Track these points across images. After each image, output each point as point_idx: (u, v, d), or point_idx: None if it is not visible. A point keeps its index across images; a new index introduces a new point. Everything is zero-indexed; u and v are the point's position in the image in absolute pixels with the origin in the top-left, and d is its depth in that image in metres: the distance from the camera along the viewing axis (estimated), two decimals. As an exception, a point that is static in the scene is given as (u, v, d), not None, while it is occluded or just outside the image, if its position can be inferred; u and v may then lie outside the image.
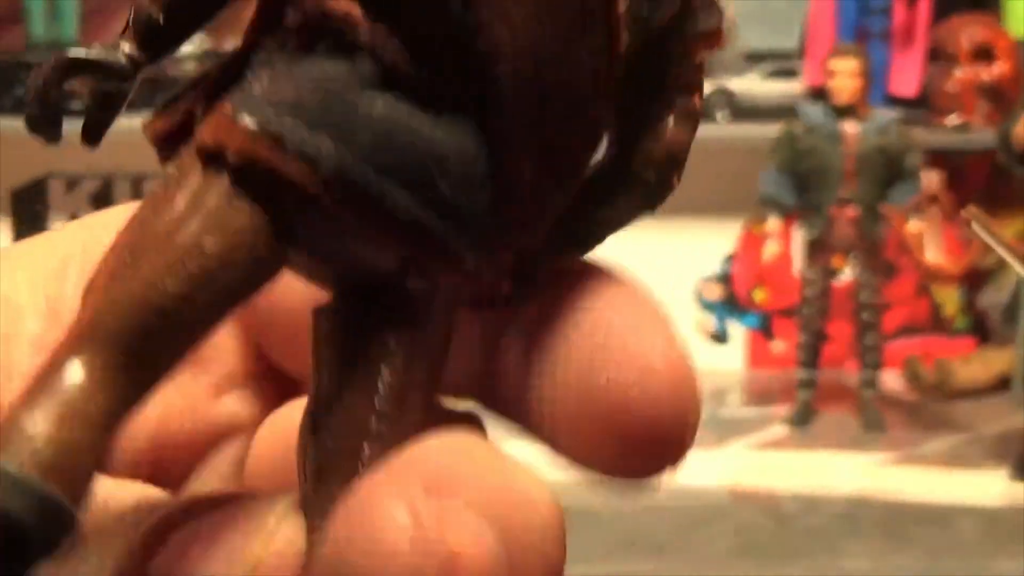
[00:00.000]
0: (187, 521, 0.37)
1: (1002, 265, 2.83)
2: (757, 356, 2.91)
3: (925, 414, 2.57)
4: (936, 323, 2.94)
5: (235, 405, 0.46)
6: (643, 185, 0.37)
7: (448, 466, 0.34)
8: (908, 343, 2.90)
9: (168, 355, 0.33)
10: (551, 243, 0.36)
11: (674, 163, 0.37)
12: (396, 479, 0.33)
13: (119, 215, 0.40)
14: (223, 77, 0.34)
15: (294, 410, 0.39)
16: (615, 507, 2.01)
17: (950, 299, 2.93)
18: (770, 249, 2.82)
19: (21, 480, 0.31)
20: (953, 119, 2.81)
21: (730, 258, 2.85)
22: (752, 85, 2.91)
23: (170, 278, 0.33)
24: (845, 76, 2.55)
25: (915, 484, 2.27)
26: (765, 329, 2.92)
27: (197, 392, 0.45)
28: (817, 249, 2.58)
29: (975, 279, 2.86)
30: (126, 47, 0.36)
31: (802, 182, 2.60)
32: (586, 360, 0.36)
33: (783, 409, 2.57)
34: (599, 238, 0.37)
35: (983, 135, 2.64)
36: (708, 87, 2.80)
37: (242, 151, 0.33)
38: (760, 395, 2.71)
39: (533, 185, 0.34)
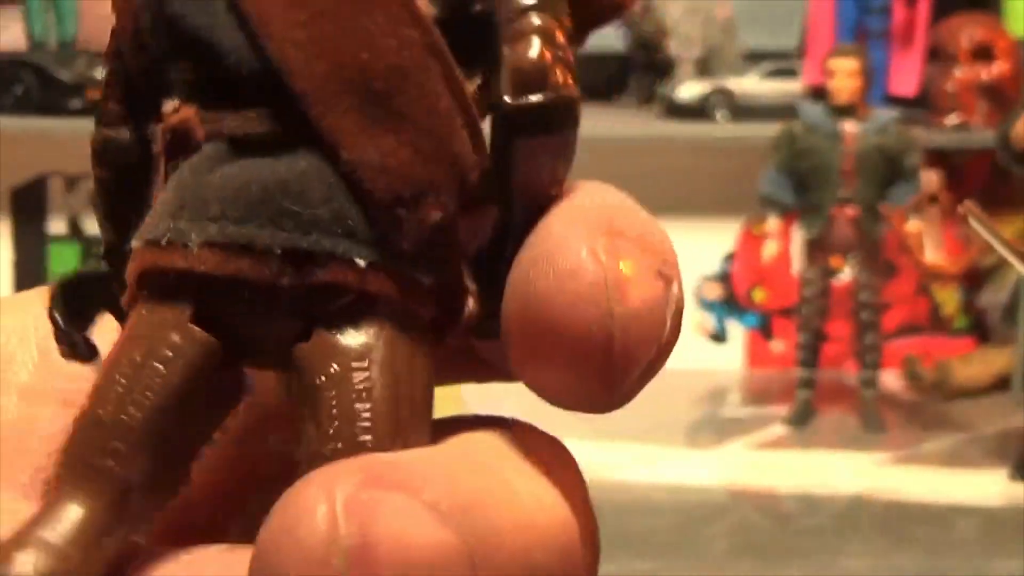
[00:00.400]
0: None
1: (1001, 265, 2.82)
2: (756, 356, 2.91)
3: (924, 414, 2.57)
4: (935, 323, 2.94)
5: (275, 445, 0.46)
6: (509, 116, 0.36)
7: (413, 465, 0.34)
8: (907, 343, 2.90)
9: (135, 468, 0.35)
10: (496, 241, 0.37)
11: (530, 79, 0.36)
12: (336, 470, 0.33)
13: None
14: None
15: None
16: (614, 505, 2.00)
17: (949, 299, 2.93)
18: (769, 249, 2.82)
19: None
20: (952, 119, 2.81)
21: (729, 257, 2.85)
22: (751, 85, 2.90)
23: (110, 393, 0.35)
24: (844, 76, 2.55)
25: (914, 484, 2.26)
26: (764, 329, 2.92)
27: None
28: (816, 249, 2.58)
29: (974, 279, 2.86)
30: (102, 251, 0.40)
31: (801, 182, 2.60)
32: (524, 277, 0.36)
33: (782, 409, 2.56)
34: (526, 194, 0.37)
35: (983, 135, 2.64)
36: (707, 86, 2.77)
37: (135, 269, 0.36)
38: (759, 395, 2.71)
39: (387, 163, 0.35)
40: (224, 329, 0.36)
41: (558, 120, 0.36)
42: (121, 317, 0.39)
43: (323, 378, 0.35)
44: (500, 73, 0.36)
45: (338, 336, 0.35)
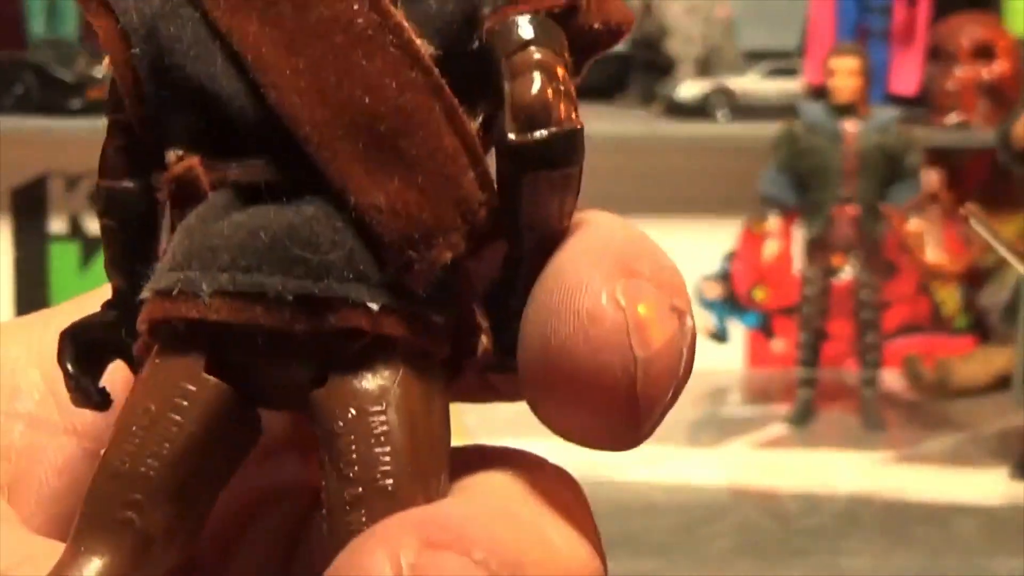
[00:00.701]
0: None
1: (1002, 264, 2.82)
2: (757, 355, 2.91)
3: (925, 413, 2.57)
4: (936, 322, 2.94)
5: (281, 471, 0.46)
6: (514, 154, 0.36)
7: (458, 522, 0.34)
8: (908, 342, 2.90)
9: (155, 519, 0.36)
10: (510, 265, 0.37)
11: (534, 116, 0.36)
12: (392, 532, 0.33)
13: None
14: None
15: None
16: (615, 505, 2.00)
17: (950, 298, 2.93)
18: (770, 248, 2.81)
19: None
20: (953, 118, 2.81)
21: (730, 257, 2.85)
22: (752, 84, 2.91)
23: (127, 444, 0.35)
24: (845, 75, 2.55)
25: (915, 483, 2.27)
26: (765, 328, 2.92)
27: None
28: (817, 248, 2.58)
29: (975, 278, 2.86)
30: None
31: (802, 181, 2.59)
32: (543, 321, 0.36)
33: (783, 408, 2.56)
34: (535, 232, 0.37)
35: (983, 134, 2.64)
36: (708, 86, 2.77)
37: (146, 319, 0.36)
38: (760, 394, 2.71)
39: (395, 206, 0.35)
40: (238, 376, 0.36)
41: (563, 154, 0.36)
42: (132, 364, 0.39)
43: (341, 424, 0.35)
44: (503, 110, 0.36)
45: (354, 380, 0.35)
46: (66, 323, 0.43)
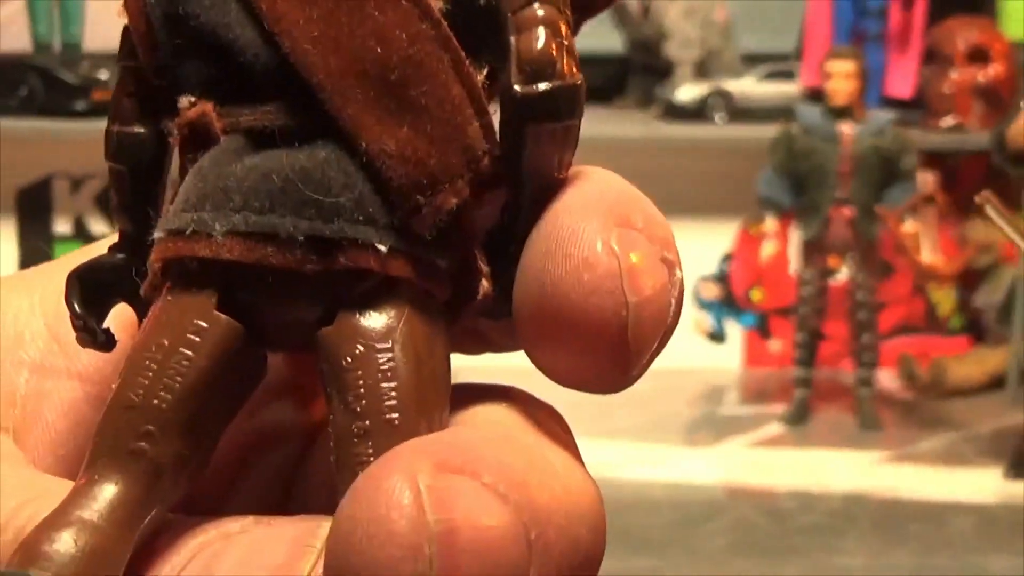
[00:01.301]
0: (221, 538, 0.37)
1: (997, 265, 2.82)
2: (754, 355, 2.91)
3: (920, 412, 2.57)
4: (931, 322, 2.94)
5: (280, 413, 0.47)
6: (518, 104, 0.37)
7: (466, 447, 0.35)
8: (903, 342, 2.89)
9: (167, 449, 0.37)
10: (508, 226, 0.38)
11: (539, 68, 0.37)
12: (406, 458, 0.34)
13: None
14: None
15: None
16: (613, 503, 2.01)
17: (945, 299, 2.93)
18: (767, 249, 2.81)
19: None
20: (948, 121, 2.81)
21: (727, 258, 2.85)
22: (749, 87, 2.91)
23: (140, 378, 0.36)
24: (841, 78, 2.55)
25: (910, 482, 2.26)
26: (762, 328, 2.92)
27: None
28: (813, 249, 2.58)
29: (970, 279, 2.86)
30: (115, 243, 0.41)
31: (799, 183, 2.59)
32: (539, 265, 0.37)
33: (780, 407, 2.56)
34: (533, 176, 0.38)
35: (978, 137, 2.64)
36: (706, 88, 2.77)
37: (158, 258, 0.37)
38: (757, 393, 2.71)
39: (404, 146, 0.36)
40: (248, 314, 0.37)
41: (566, 107, 0.37)
42: (138, 306, 0.40)
43: (349, 359, 0.36)
44: (508, 63, 0.37)
45: (361, 319, 0.36)
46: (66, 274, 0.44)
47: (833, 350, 2.73)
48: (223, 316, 0.37)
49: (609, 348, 0.37)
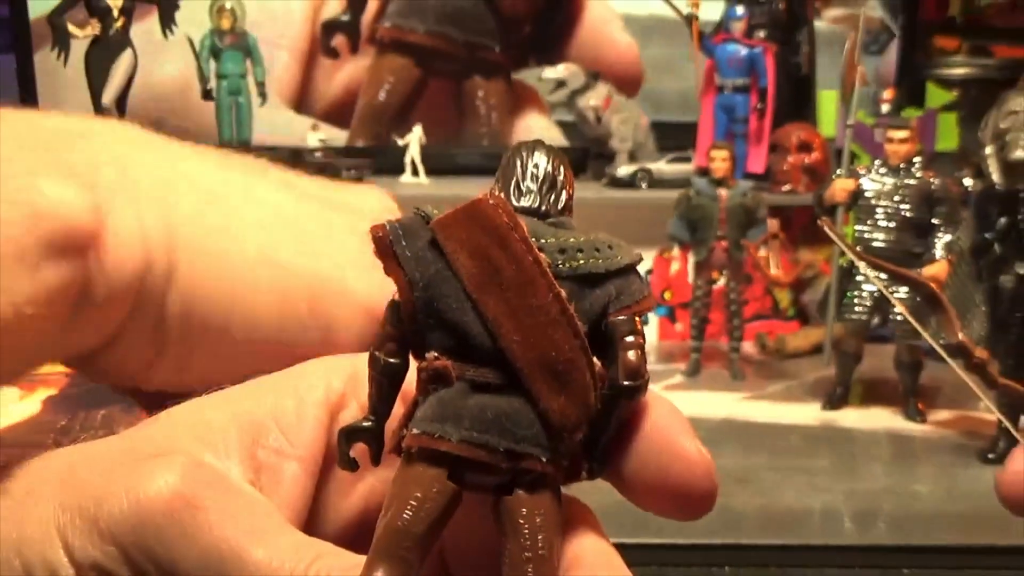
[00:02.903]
0: None
1: (817, 275, 2.82)
2: (665, 333, 2.90)
3: (769, 369, 2.57)
4: (776, 312, 2.93)
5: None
6: (623, 391, 0.41)
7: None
8: (758, 325, 2.88)
9: (415, 557, 0.39)
10: (595, 438, 0.42)
11: (636, 375, 0.41)
12: None
13: None
14: (408, 415, 0.42)
15: None
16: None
17: (784, 297, 2.92)
18: (674, 267, 2.80)
19: None
20: (786, 187, 2.80)
21: (650, 271, 2.85)
22: (662, 167, 2.90)
23: (404, 513, 0.38)
24: (719, 161, 2.53)
25: (763, 412, 2.25)
26: (671, 316, 2.91)
27: None
28: (702, 267, 2.56)
29: (800, 285, 2.87)
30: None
31: (693, 226, 2.58)
32: (655, 455, 0.40)
33: (682, 366, 2.55)
34: (616, 423, 0.42)
35: (805, 197, 2.64)
36: (634, 168, 2.74)
37: (411, 444, 0.40)
38: (667, 356, 2.70)
39: (562, 408, 0.39)
40: (462, 483, 0.40)
41: (643, 392, 0.42)
42: (374, 449, 0.42)
43: (521, 519, 0.39)
44: (616, 365, 0.41)
45: (528, 495, 0.40)
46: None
47: (715, 329, 2.71)
48: (450, 484, 0.39)
49: (703, 506, 0.41)
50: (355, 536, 0.44)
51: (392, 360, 0.41)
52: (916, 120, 2.44)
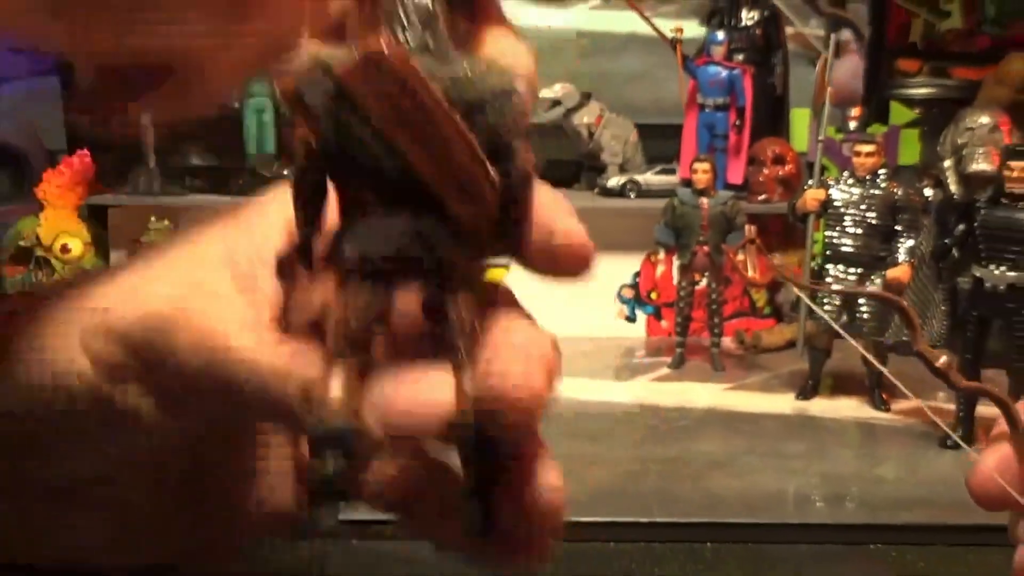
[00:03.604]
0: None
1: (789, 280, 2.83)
2: (652, 329, 2.90)
3: (747, 362, 2.57)
4: (753, 310, 2.93)
5: None
6: (511, 188, 0.40)
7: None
8: (737, 322, 2.88)
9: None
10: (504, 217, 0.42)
11: (521, 171, 0.40)
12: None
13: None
14: (335, 240, 0.41)
15: None
16: (568, 416, 2.01)
17: (760, 297, 2.92)
18: (660, 269, 2.81)
19: (346, 425, 0.37)
20: (763, 197, 2.80)
21: (637, 273, 2.84)
22: (649, 178, 2.90)
23: (351, 319, 0.39)
24: (702, 172, 2.54)
25: (741, 401, 2.25)
26: (657, 314, 2.91)
27: None
28: (686, 270, 2.57)
29: (774, 286, 2.87)
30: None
31: (677, 232, 2.58)
32: (543, 231, 0.42)
33: (667, 359, 2.55)
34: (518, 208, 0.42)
35: (779, 206, 2.64)
36: (623, 179, 2.72)
37: (348, 263, 0.39)
38: (654, 351, 2.69)
39: (470, 213, 0.39)
40: (393, 288, 0.39)
41: (531, 182, 0.41)
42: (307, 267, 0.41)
43: (449, 311, 0.40)
44: (510, 163, 0.40)
45: (451, 293, 0.40)
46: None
47: (697, 326, 2.71)
48: (384, 289, 0.39)
49: (583, 265, 0.43)
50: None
51: (314, 190, 0.41)
52: (881, 136, 2.44)
